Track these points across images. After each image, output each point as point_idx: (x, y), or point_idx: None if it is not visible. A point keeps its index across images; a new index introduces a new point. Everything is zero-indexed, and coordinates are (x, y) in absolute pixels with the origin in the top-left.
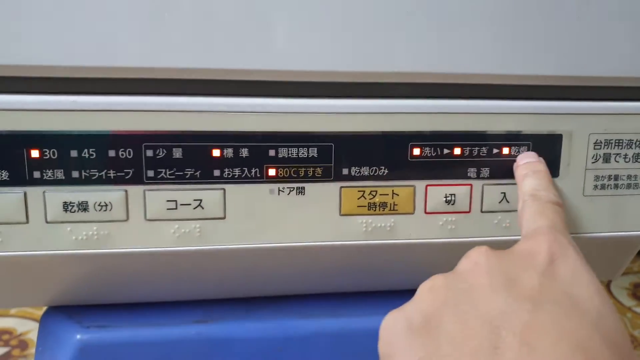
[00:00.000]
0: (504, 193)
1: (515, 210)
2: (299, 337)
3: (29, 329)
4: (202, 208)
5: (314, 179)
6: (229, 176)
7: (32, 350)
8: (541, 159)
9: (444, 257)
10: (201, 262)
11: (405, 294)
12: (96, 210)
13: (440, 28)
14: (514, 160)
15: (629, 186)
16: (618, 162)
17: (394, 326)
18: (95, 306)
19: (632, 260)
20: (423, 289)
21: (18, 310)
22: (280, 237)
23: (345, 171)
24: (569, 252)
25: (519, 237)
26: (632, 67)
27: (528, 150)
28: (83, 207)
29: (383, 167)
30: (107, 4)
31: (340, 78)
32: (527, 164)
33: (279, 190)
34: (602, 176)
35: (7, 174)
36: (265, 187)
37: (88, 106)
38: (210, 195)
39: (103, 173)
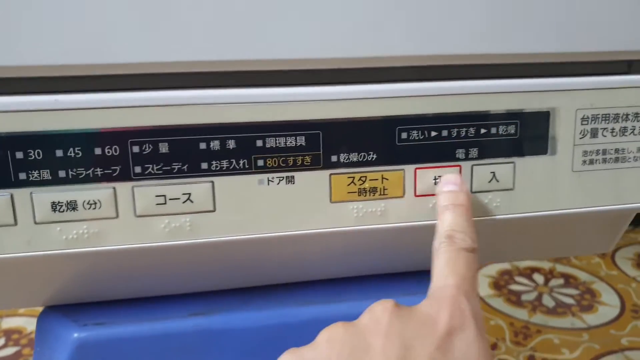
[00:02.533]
0: (494, 172)
1: (506, 190)
2: (297, 325)
3: None
4: (192, 202)
5: (303, 168)
6: (217, 168)
7: None
8: (465, 186)
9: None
10: (194, 255)
11: (399, 276)
12: (85, 209)
13: (422, 9)
14: (504, 139)
15: (617, 160)
16: (605, 136)
17: None
18: (91, 304)
19: (637, 231)
20: (322, 338)
21: (27, 309)
22: (271, 227)
23: (334, 158)
24: (468, 326)
25: (511, 215)
26: (614, 41)
27: (516, 128)
28: (72, 206)
29: (372, 153)
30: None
31: (324, 65)
32: (450, 193)
33: (269, 180)
34: (591, 151)
35: None
36: (254, 178)
37: (70, 105)
38: (199, 188)
39: (90, 171)
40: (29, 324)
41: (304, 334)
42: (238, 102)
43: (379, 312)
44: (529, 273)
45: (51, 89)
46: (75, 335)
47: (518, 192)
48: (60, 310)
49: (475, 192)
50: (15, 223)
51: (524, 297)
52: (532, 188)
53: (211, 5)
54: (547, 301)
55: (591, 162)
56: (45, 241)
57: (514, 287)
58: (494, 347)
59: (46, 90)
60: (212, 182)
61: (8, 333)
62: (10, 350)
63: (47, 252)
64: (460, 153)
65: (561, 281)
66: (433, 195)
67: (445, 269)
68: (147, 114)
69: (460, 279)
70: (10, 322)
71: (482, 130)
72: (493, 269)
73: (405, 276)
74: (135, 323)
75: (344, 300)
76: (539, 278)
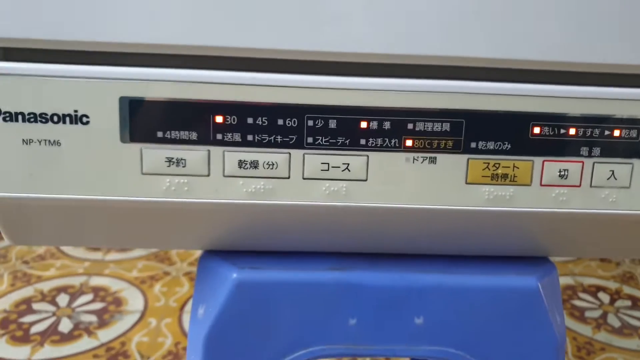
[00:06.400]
0: (613, 171)
1: (623, 187)
2: (418, 289)
3: (121, 288)
4: (349, 171)
5: (445, 151)
6: (373, 145)
7: (124, 307)
8: None
9: (553, 227)
10: (344, 217)
11: (514, 259)
12: (264, 168)
13: (568, 17)
14: (625, 142)
15: None
16: None
17: None
18: (245, 252)
19: None
20: None
21: (111, 270)
22: (412, 199)
23: (473, 145)
24: None
25: (623, 211)
26: None
27: (637, 133)
28: (254, 165)
29: (507, 143)
30: None
31: (472, 63)
32: None
33: (414, 159)
34: None
35: (195, 134)
36: (402, 156)
37: (264, 82)
38: (356, 160)
39: (272, 138)
40: (113, 284)
41: (423, 298)
42: (397, 90)
43: None
44: (593, 291)
45: (247, 68)
46: (235, 275)
47: (634, 191)
48: (218, 255)
49: (594, 187)
50: (209, 174)
51: (588, 314)
52: None
53: None
54: (613, 320)
55: None
56: (230, 192)
57: (577, 302)
58: None
59: (244, 69)
60: (367, 156)
61: (96, 290)
62: (97, 305)
63: (230, 200)
64: (584, 150)
65: (628, 303)
66: (557, 185)
67: None
68: (323, 94)
69: None
70: (97, 281)
71: (606, 132)
72: None
73: (517, 260)
74: (284, 271)
75: (461, 273)
76: (604, 297)
